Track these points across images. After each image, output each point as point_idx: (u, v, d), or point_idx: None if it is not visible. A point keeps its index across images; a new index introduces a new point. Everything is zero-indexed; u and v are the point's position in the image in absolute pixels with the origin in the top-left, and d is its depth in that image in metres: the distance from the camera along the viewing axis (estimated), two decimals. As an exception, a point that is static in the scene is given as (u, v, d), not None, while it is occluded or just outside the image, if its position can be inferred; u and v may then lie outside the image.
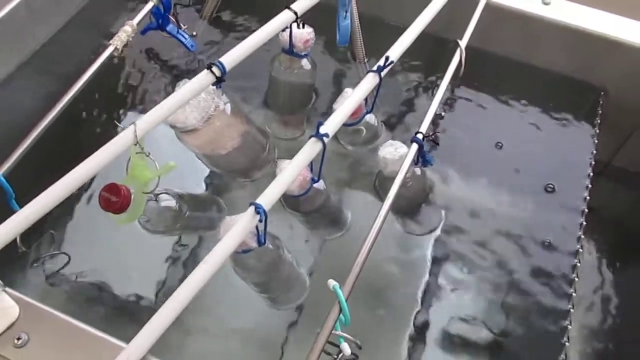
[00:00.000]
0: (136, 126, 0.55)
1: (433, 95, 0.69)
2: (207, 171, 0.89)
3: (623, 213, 0.99)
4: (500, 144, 0.86)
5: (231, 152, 0.71)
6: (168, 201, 0.68)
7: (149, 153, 0.59)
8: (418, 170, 0.71)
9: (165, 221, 0.68)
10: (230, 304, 0.79)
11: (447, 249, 0.82)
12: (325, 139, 0.60)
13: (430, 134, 0.66)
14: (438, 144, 0.65)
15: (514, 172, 0.85)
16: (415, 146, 0.64)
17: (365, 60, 0.93)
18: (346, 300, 0.51)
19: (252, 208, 0.54)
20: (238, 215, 0.59)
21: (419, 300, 0.79)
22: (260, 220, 0.54)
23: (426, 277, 0.80)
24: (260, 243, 0.60)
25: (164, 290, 0.81)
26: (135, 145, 0.56)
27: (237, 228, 0.53)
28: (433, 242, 0.81)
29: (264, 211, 0.54)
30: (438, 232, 0.81)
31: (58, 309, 0.57)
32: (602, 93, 0.90)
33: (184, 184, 0.80)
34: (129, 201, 0.58)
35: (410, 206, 0.75)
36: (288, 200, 0.70)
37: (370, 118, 0.77)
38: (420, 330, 0.77)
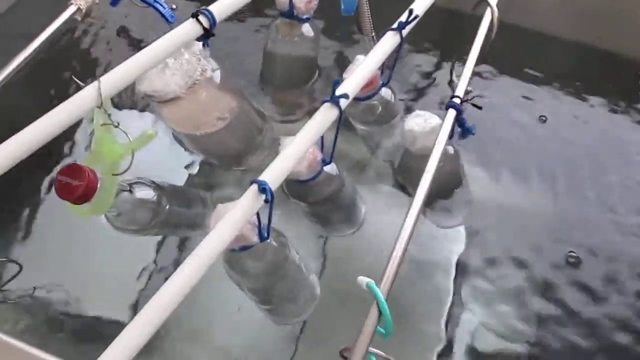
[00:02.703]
0: (100, 83, 0.43)
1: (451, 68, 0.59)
2: (188, 159, 0.77)
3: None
4: (544, 117, 0.75)
5: (219, 132, 0.60)
6: (144, 191, 0.57)
7: (119, 123, 0.47)
8: (451, 148, 0.60)
9: (139, 216, 0.56)
10: (221, 319, 0.69)
11: (477, 245, 0.71)
12: (343, 101, 0.48)
13: (469, 97, 0.54)
14: (481, 107, 0.54)
15: (560, 150, 0.74)
16: (452, 113, 0.53)
17: (373, 33, 0.82)
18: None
19: (254, 187, 0.42)
20: (231, 203, 0.48)
21: (448, 304, 0.68)
22: (266, 201, 0.41)
23: (452, 276, 0.70)
24: (262, 237, 0.49)
25: (140, 308, 0.68)
26: (100, 108, 0.44)
27: (237, 211, 0.41)
28: (464, 235, 0.70)
29: (270, 190, 0.42)
30: (468, 223, 0.70)
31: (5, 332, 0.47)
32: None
33: (160, 175, 0.68)
34: (94, 186, 0.46)
35: (440, 193, 0.63)
36: (293, 187, 0.59)
37: (385, 92, 0.67)
38: (446, 341, 0.67)
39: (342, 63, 0.83)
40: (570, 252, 0.68)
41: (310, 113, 0.75)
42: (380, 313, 0.38)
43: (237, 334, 0.68)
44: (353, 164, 0.74)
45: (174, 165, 0.77)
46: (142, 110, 0.79)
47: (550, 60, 0.83)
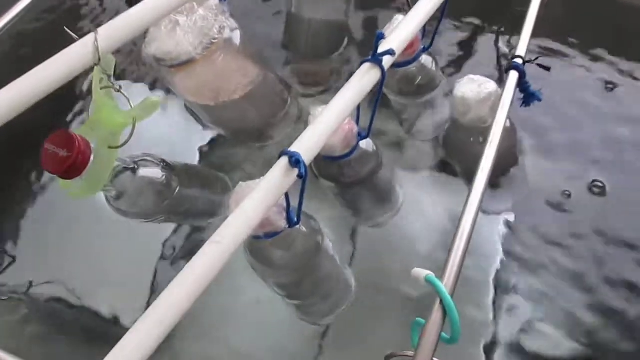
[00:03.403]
0: (97, 34, 0.36)
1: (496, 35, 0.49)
2: (204, 139, 0.70)
3: None
4: (610, 86, 0.67)
5: (239, 102, 0.53)
6: (151, 170, 0.50)
7: (121, 87, 0.40)
8: (507, 121, 0.52)
9: (145, 199, 0.49)
10: (240, 318, 0.62)
11: (525, 234, 0.63)
12: (387, 59, 0.41)
13: (533, 58, 0.47)
14: (549, 68, 0.47)
15: (628, 124, 0.65)
16: (514, 75, 0.45)
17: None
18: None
19: (284, 159, 0.35)
20: (254, 181, 0.42)
21: (493, 294, 0.61)
22: (299, 176, 0.34)
23: (499, 262, 0.62)
24: (291, 222, 0.41)
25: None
26: (97, 65, 0.37)
27: (264, 188, 0.33)
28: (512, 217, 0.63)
29: (304, 163, 0.35)
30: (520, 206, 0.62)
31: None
32: None
33: (170, 153, 0.61)
34: (86, 159, 0.39)
35: (494, 172, 0.56)
36: (323, 164, 0.51)
37: (426, 60, 0.59)
38: (493, 336, 0.60)
39: (375, 29, 0.75)
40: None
41: (339, 85, 0.68)
42: (445, 314, 0.31)
43: (255, 331, 0.62)
44: (388, 143, 0.67)
45: (186, 143, 0.70)
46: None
47: (612, 26, 0.75)
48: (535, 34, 0.49)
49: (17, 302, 0.61)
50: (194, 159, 0.69)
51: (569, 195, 0.63)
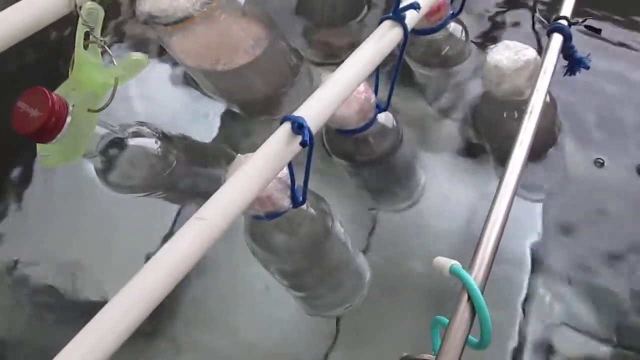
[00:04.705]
0: (72, -25, 0.32)
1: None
2: (206, 114, 0.66)
3: None
4: None
5: (244, 69, 0.48)
6: (145, 139, 0.46)
7: (105, 42, 0.36)
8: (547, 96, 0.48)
9: (137, 172, 0.46)
10: (248, 308, 0.58)
11: (560, 223, 0.58)
12: (411, 15, 0.36)
13: (581, 19, 0.41)
14: (599, 30, 0.42)
15: None
16: (558, 39, 0.40)
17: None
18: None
19: (286, 125, 0.30)
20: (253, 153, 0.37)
21: (523, 293, 0.56)
22: (303, 144, 0.29)
23: (527, 255, 0.57)
24: (296, 202, 0.37)
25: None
26: (76, 14, 0.33)
27: (262, 158, 0.29)
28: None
29: (309, 130, 0.30)
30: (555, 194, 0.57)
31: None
32: None
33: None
34: (61, 121, 0.35)
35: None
36: (336, 140, 0.48)
37: (455, 28, 0.55)
38: (519, 337, 0.55)
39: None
40: None
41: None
42: (474, 313, 0.26)
43: (263, 323, 0.58)
44: (410, 119, 0.62)
45: (192, 118, 0.66)
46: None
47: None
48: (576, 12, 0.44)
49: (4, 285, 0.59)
50: (199, 134, 0.65)
51: (608, 175, 0.58)
